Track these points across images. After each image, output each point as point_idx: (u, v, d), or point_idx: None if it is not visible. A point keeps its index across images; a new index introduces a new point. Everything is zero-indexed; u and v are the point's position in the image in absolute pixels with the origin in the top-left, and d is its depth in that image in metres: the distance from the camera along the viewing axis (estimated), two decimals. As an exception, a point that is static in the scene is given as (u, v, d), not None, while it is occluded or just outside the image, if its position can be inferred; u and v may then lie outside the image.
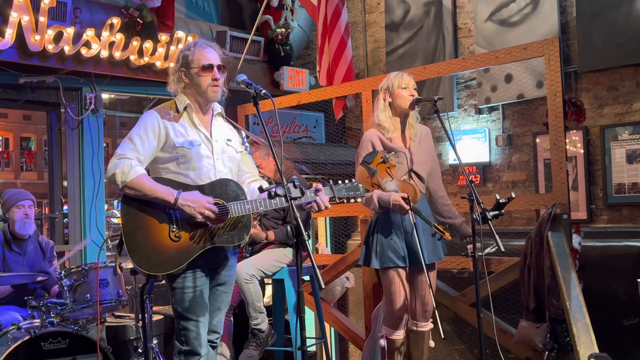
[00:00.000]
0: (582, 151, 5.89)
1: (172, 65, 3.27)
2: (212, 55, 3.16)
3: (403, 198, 3.53)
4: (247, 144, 3.38)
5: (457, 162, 6.77)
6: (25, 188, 5.15)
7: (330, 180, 3.07)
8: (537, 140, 6.23)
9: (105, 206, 6.49)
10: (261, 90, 2.93)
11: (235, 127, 3.36)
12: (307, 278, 5.21)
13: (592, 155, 5.90)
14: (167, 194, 2.95)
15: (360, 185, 3.06)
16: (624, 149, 5.69)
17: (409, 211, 3.56)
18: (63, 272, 4.17)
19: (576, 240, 4.28)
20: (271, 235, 4.62)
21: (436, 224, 3.57)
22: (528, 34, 6.12)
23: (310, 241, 6.57)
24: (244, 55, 6.56)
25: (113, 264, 4.22)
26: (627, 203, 5.65)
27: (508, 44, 6.03)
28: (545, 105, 4.26)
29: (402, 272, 3.73)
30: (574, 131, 5.89)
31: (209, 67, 3.11)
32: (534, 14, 6.23)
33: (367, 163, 3.49)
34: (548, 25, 6.10)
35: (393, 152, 3.68)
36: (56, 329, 3.92)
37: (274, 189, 2.77)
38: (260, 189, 2.85)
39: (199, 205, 2.94)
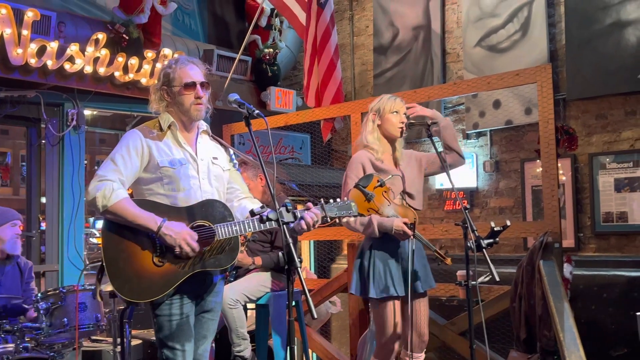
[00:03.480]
0: (565, 179, 5.86)
1: (144, 81, 3.14)
2: (195, 72, 3.04)
3: (405, 224, 3.44)
4: (235, 161, 3.28)
5: (443, 187, 6.73)
6: (1, 204, 4.98)
7: (322, 199, 2.96)
8: (525, 166, 6.20)
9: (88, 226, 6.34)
10: (254, 110, 2.84)
11: (222, 144, 3.25)
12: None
13: (580, 183, 5.87)
14: (150, 221, 2.81)
15: (353, 204, 2.95)
16: (612, 177, 5.67)
17: (412, 237, 3.46)
18: (40, 294, 4.00)
19: (567, 269, 4.21)
20: (258, 261, 4.50)
21: (437, 250, 3.47)
22: (517, 61, 6.12)
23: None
24: (231, 74, 6.48)
25: (92, 287, 4.06)
26: (615, 232, 5.63)
27: (497, 70, 6.03)
28: (533, 132, 4.24)
29: (398, 302, 3.62)
30: (564, 159, 5.87)
31: (191, 85, 3.00)
32: (523, 40, 6.24)
33: (363, 187, 3.37)
34: (537, 52, 6.11)
35: (390, 176, 3.58)
36: (31, 354, 3.76)
37: (265, 213, 2.66)
38: (252, 213, 2.74)
39: (180, 237, 2.80)
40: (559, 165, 5.83)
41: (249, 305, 4.88)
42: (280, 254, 2.61)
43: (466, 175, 6.59)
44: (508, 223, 3.41)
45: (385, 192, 3.44)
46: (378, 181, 3.39)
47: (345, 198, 3.05)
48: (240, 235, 3.08)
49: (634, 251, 5.52)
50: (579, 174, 5.88)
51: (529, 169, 6.13)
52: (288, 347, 2.57)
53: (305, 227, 2.85)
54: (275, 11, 6.95)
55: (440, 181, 6.76)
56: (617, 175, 5.65)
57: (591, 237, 5.77)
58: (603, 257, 5.63)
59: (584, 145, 5.85)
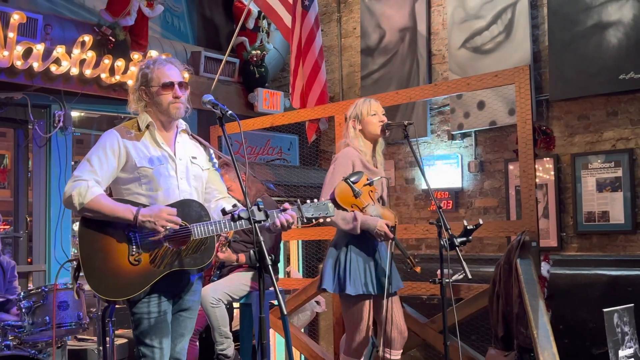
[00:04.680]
0: (553, 179, 5.92)
1: (130, 83, 3.17)
2: (173, 72, 3.07)
3: (388, 225, 3.49)
4: (214, 161, 3.30)
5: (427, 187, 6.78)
6: None
7: (298, 200, 2.99)
8: (509, 167, 6.26)
9: (75, 226, 6.37)
10: (227, 111, 2.87)
11: (202, 143, 3.27)
12: (276, 302, 5.13)
13: (563, 183, 5.93)
14: (126, 211, 2.85)
15: (329, 204, 2.99)
16: (594, 177, 5.73)
17: (392, 240, 3.52)
18: (22, 293, 4.05)
19: (545, 268, 4.26)
20: (242, 257, 4.55)
21: (410, 256, 3.53)
22: (501, 62, 6.18)
23: (281, 264, 6.50)
24: (218, 75, 6.53)
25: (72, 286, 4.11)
26: (597, 231, 5.68)
27: (481, 70, 6.09)
28: (516, 133, 4.28)
29: (370, 301, 3.68)
30: (547, 159, 5.93)
31: (169, 85, 3.03)
32: (506, 42, 6.30)
33: (353, 183, 3.41)
34: (520, 53, 6.17)
35: (378, 177, 3.64)
36: (13, 352, 3.80)
37: (237, 212, 2.71)
38: (224, 212, 2.77)
39: (158, 218, 2.83)
40: (547, 166, 5.94)
41: (236, 305, 4.93)
42: (251, 252, 2.65)
43: (451, 176, 6.64)
44: (481, 222, 3.46)
45: (372, 192, 3.50)
46: (367, 180, 3.45)
47: (329, 195, 3.09)
48: (222, 236, 3.13)
49: (615, 250, 5.59)
50: (562, 174, 5.94)
51: (513, 169, 6.19)
52: (260, 343, 2.62)
53: (279, 226, 2.90)
54: (263, 13, 7.01)
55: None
56: (599, 176, 5.71)
57: (574, 236, 5.83)
58: (585, 256, 5.69)
59: (566, 145, 5.91)
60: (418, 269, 3.51)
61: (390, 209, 3.70)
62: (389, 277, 3.60)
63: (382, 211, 3.59)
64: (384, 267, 3.62)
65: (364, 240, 3.65)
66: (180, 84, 3.06)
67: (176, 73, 3.08)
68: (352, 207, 3.44)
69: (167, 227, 2.84)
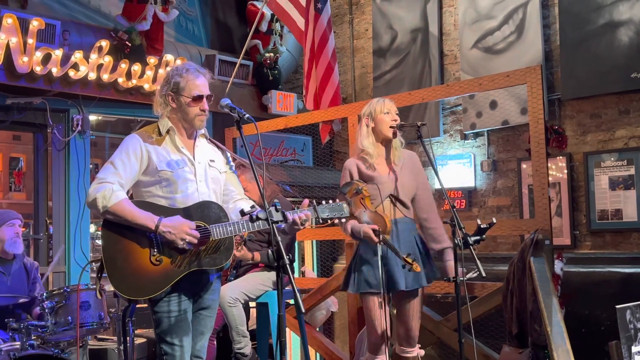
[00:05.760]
0: (566, 177, 5.95)
1: (159, 87, 3.25)
2: (203, 84, 3.15)
3: (373, 230, 3.56)
4: (232, 163, 3.38)
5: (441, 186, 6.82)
6: (13, 208, 5.12)
7: (314, 201, 3.06)
8: (522, 166, 6.29)
9: (93, 227, 6.47)
10: (244, 115, 2.95)
11: (219, 147, 3.35)
12: (292, 302, 5.20)
13: (575, 182, 5.96)
14: (147, 220, 2.94)
15: (344, 206, 3.07)
16: (607, 175, 5.75)
17: (379, 243, 3.59)
18: (45, 294, 4.14)
19: (558, 266, 4.29)
20: (257, 256, 4.63)
21: (405, 256, 3.58)
22: (512, 62, 6.21)
23: (296, 264, 6.57)
24: (232, 78, 6.61)
25: (95, 286, 4.20)
26: (610, 229, 5.70)
27: (493, 71, 6.12)
28: (529, 132, 4.31)
29: (377, 299, 3.74)
30: (560, 157, 5.96)
31: (199, 98, 3.12)
32: (518, 42, 6.33)
33: (343, 194, 3.55)
34: (532, 53, 6.20)
35: (372, 182, 3.71)
36: (36, 351, 3.88)
37: (255, 212, 2.78)
38: (242, 213, 2.84)
39: (179, 231, 2.93)
40: (560, 164, 5.96)
41: (252, 304, 5.00)
42: (269, 251, 2.72)
43: (464, 175, 6.68)
44: (494, 220, 3.51)
45: (362, 199, 3.57)
46: (355, 189, 3.54)
47: (337, 200, 3.16)
48: (237, 235, 3.20)
49: (629, 248, 5.60)
50: (575, 173, 5.96)
51: (526, 168, 6.21)
52: (279, 341, 2.69)
53: (294, 226, 2.97)
54: (276, 16, 7.08)
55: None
56: (611, 174, 5.73)
57: (587, 234, 5.85)
58: (598, 254, 5.71)
59: (579, 144, 5.93)
60: (417, 267, 3.55)
61: (382, 213, 3.74)
62: (394, 276, 3.67)
63: (372, 216, 3.67)
64: (398, 265, 3.67)
65: (368, 243, 3.75)
66: (208, 97, 3.15)
67: (205, 85, 3.17)
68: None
69: (187, 240, 2.93)
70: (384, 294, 3.68)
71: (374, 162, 3.81)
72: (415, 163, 3.96)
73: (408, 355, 3.87)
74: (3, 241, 4.46)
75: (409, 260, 3.53)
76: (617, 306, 3.26)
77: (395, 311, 3.91)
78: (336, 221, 3.49)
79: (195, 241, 2.96)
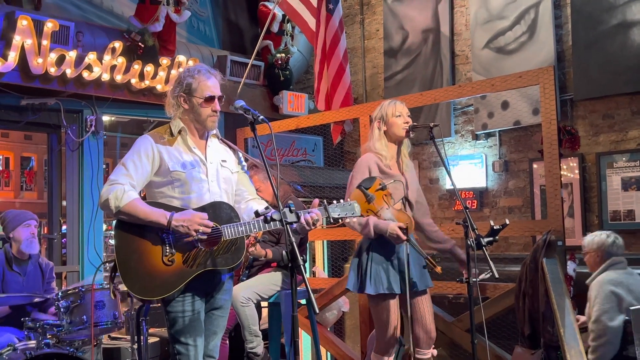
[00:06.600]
0: (578, 178, 5.93)
1: (171, 88, 3.27)
2: (215, 85, 3.17)
3: (400, 228, 3.55)
4: (243, 163, 3.39)
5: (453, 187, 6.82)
6: (25, 207, 5.19)
7: (325, 201, 3.07)
8: (534, 166, 6.28)
9: (105, 226, 6.52)
10: (259, 116, 2.97)
11: (231, 147, 3.37)
12: (303, 302, 5.21)
13: (587, 182, 5.94)
14: (160, 216, 2.96)
15: (356, 205, 3.06)
16: (619, 176, 5.73)
17: (407, 241, 3.58)
18: (60, 293, 4.18)
19: (571, 267, 4.29)
20: (269, 253, 4.64)
21: (429, 257, 3.58)
22: (524, 62, 6.20)
23: (307, 264, 6.59)
24: (244, 79, 6.63)
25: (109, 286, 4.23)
26: (623, 230, 5.65)
27: (504, 71, 6.12)
28: (540, 132, 4.31)
29: (396, 300, 3.74)
30: (572, 158, 5.94)
31: (211, 99, 3.14)
32: (530, 42, 6.31)
33: (365, 188, 3.49)
34: (544, 53, 6.18)
35: (393, 180, 3.70)
36: (52, 350, 3.91)
37: (269, 214, 2.79)
38: (257, 214, 2.86)
39: (191, 222, 2.93)
40: (572, 164, 5.94)
41: (264, 304, 5.02)
42: (283, 252, 2.73)
43: (476, 175, 6.68)
44: (507, 221, 3.51)
45: (386, 195, 3.55)
46: (380, 184, 3.50)
47: (349, 199, 3.16)
48: (251, 236, 3.21)
49: (642, 249, 5.59)
50: (587, 174, 5.94)
51: (537, 168, 6.21)
52: (293, 341, 2.70)
53: (306, 226, 2.98)
54: (287, 17, 7.10)
55: (450, 182, 6.85)
56: (624, 174, 5.71)
57: (599, 235, 5.82)
58: (611, 255, 5.68)
59: (591, 144, 5.91)
60: (439, 269, 3.55)
61: (405, 211, 3.74)
62: (411, 277, 3.66)
63: (396, 214, 3.66)
64: (412, 265, 3.68)
65: (384, 244, 3.73)
66: (219, 98, 3.17)
67: (217, 87, 3.18)
68: (367, 212, 3.51)
69: (199, 230, 2.95)
70: (408, 295, 3.66)
71: (389, 163, 3.83)
72: (413, 170, 4.03)
73: (424, 356, 3.87)
74: (19, 242, 4.50)
75: (434, 261, 3.54)
76: (632, 308, 3.25)
77: (409, 314, 3.89)
78: (347, 220, 3.50)
79: (209, 230, 2.96)
